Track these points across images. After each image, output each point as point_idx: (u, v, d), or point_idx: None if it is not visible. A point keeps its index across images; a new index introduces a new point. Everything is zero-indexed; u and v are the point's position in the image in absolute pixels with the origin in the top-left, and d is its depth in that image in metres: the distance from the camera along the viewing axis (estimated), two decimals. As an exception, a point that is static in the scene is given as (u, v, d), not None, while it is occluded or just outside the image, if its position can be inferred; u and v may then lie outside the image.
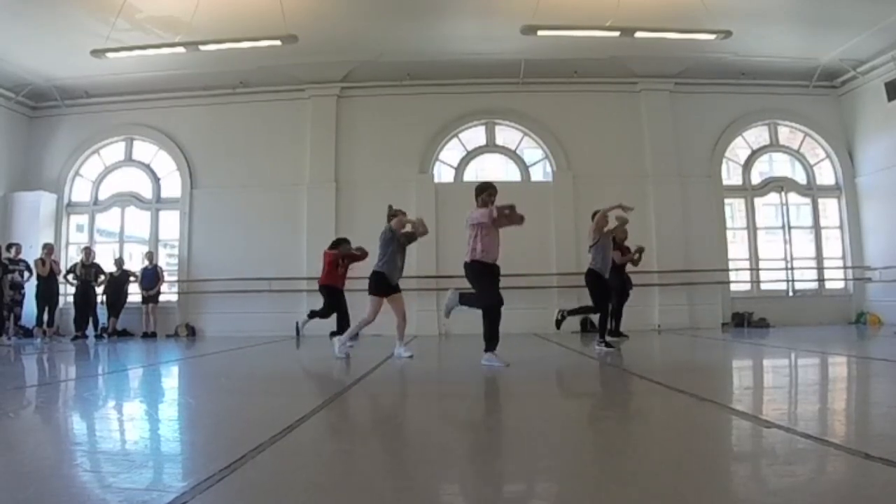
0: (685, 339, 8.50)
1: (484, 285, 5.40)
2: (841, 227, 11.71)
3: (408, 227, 6.24)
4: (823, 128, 11.75)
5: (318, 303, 8.37)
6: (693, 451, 2.33)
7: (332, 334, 7.48)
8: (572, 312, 6.59)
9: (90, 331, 10.41)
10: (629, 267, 8.54)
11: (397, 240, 6.10)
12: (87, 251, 10.65)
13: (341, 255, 7.88)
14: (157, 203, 12.02)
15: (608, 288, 6.89)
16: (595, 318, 7.96)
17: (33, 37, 9.46)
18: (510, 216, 5.38)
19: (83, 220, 12.21)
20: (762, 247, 11.76)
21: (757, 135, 11.99)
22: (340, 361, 6.04)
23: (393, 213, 6.23)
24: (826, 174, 11.91)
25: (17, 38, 9.50)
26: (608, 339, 6.74)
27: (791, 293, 11.66)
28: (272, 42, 8.72)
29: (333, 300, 7.87)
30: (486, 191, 5.54)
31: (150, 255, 11.13)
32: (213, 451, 2.39)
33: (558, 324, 6.47)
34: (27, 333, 10.39)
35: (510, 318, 9.57)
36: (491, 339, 5.36)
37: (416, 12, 9.32)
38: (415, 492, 1.84)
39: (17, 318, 9.97)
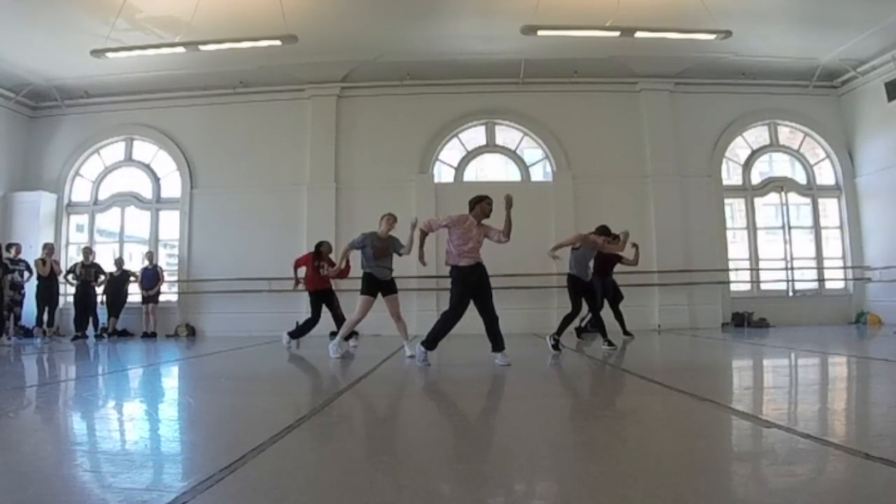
0: (685, 339, 8.50)
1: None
2: (841, 227, 11.72)
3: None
4: (823, 128, 11.75)
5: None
6: (693, 451, 2.33)
7: (333, 334, 7.47)
8: (559, 332, 6.67)
9: (90, 331, 10.40)
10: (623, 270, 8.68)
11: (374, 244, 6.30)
12: (87, 251, 10.65)
13: (312, 258, 7.82)
14: (157, 203, 12.02)
15: (593, 289, 7.07)
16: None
17: (33, 37, 9.46)
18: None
19: (83, 220, 12.21)
20: (762, 247, 11.76)
21: (757, 135, 11.99)
22: (340, 361, 6.04)
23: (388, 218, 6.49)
24: (826, 174, 11.92)
25: (18, 38, 9.51)
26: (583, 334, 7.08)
27: (791, 293, 11.67)
28: (272, 42, 8.71)
29: (317, 304, 7.80)
30: (484, 200, 5.60)
31: (150, 255, 11.13)
32: (213, 451, 2.40)
33: (556, 346, 6.50)
34: (27, 333, 10.39)
35: (510, 317, 9.60)
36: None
37: (416, 12, 9.32)
38: (415, 491, 1.84)
39: (17, 318, 9.96)
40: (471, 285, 5.39)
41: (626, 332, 8.45)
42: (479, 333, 5.66)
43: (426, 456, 2.37)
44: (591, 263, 7.22)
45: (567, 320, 6.80)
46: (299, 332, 7.66)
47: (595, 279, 7.55)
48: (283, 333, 7.75)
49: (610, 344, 6.76)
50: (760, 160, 12.07)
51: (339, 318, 7.75)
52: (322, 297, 7.72)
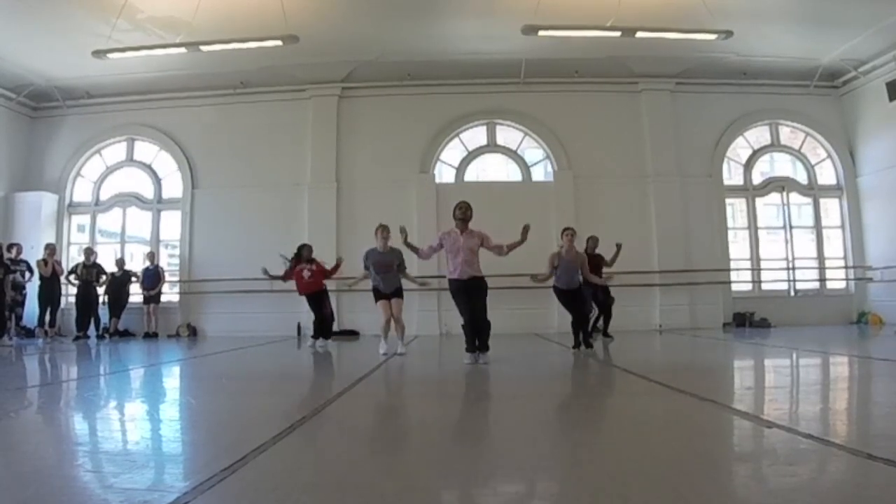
0: (686, 339, 8.50)
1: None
2: (842, 227, 11.70)
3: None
4: (824, 127, 11.73)
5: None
6: (693, 451, 2.32)
7: (314, 337, 7.65)
8: (587, 335, 6.76)
9: (92, 331, 10.41)
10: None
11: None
12: (89, 251, 10.65)
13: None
14: (158, 203, 12.03)
15: (581, 297, 6.93)
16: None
17: (35, 37, 9.47)
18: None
19: (84, 220, 12.22)
20: (763, 247, 11.74)
21: (758, 135, 11.98)
22: (340, 361, 6.06)
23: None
24: (827, 174, 11.90)
25: (19, 39, 9.52)
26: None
27: (792, 293, 11.65)
28: (273, 42, 8.72)
29: (312, 304, 7.88)
30: (455, 207, 5.84)
31: (152, 256, 11.14)
32: (214, 451, 2.40)
33: (587, 345, 6.69)
34: (29, 334, 10.40)
35: (511, 318, 9.61)
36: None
37: (416, 12, 9.32)
38: (415, 492, 1.84)
39: (19, 318, 9.96)
40: (457, 294, 5.67)
41: (605, 334, 8.39)
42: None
43: (427, 456, 2.37)
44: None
45: (575, 325, 6.75)
46: (319, 332, 7.68)
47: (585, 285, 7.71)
48: (313, 342, 7.72)
49: (576, 346, 6.65)
50: (761, 160, 12.06)
51: (322, 321, 7.73)
52: (313, 298, 7.74)
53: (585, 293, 7.36)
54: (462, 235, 5.67)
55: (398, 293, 6.64)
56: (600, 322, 8.71)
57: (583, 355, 6.31)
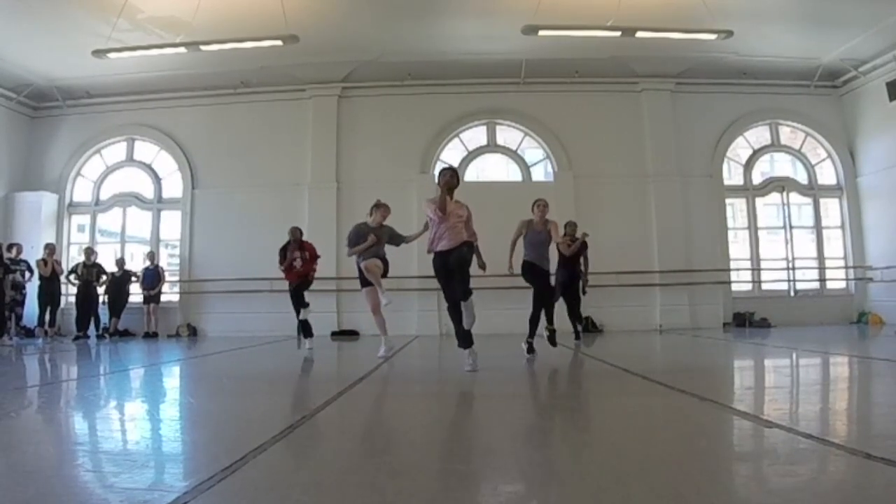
0: (686, 339, 8.50)
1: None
2: (842, 227, 11.71)
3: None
4: (825, 127, 11.74)
5: (319, 304, 8.34)
6: (694, 451, 2.32)
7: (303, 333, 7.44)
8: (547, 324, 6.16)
9: (92, 331, 10.41)
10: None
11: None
12: (89, 251, 10.66)
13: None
14: (158, 203, 12.03)
15: (547, 281, 6.41)
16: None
17: (35, 37, 9.48)
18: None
19: (84, 220, 12.23)
20: (763, 247, 11.75)
21: (758, 134, 11.98)
22: (341, 362, 6.05)
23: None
24: (827, 174, 11.90)
25: (19, 39, 9.53)
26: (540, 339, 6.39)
27: (792, 293, 11.65)
28: (273, 42, 8.73)
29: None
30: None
31: (152, 255, 11.15)
32: (214, 451, 2.40)
33: (531, 349, 6.16)
34: (29, 333, 10.41)
35: (511, 317, 9.61)
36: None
37: (416, 12, 9.32)
38: (415, 491, 1.84)
39: (19, 318, 9.97)
40: (440, 271, 5.10)
41: (577, 336, 7.91)
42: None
43: (427, 456, 2.37)
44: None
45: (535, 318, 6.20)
46: (306, 331, 7.50)
47: (560, 272, 7.43)
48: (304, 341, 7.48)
49: (530, 349, 6.06)
50: (762, 160, 12.06)
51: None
52: (299, 287, 7.44)
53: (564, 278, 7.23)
54: (450, 203, 5.02)
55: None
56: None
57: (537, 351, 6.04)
